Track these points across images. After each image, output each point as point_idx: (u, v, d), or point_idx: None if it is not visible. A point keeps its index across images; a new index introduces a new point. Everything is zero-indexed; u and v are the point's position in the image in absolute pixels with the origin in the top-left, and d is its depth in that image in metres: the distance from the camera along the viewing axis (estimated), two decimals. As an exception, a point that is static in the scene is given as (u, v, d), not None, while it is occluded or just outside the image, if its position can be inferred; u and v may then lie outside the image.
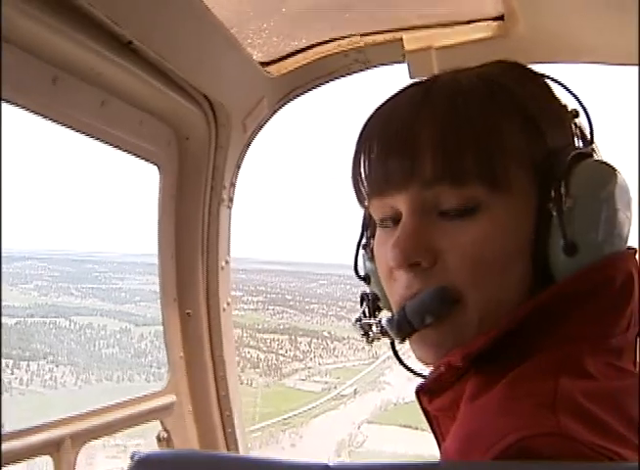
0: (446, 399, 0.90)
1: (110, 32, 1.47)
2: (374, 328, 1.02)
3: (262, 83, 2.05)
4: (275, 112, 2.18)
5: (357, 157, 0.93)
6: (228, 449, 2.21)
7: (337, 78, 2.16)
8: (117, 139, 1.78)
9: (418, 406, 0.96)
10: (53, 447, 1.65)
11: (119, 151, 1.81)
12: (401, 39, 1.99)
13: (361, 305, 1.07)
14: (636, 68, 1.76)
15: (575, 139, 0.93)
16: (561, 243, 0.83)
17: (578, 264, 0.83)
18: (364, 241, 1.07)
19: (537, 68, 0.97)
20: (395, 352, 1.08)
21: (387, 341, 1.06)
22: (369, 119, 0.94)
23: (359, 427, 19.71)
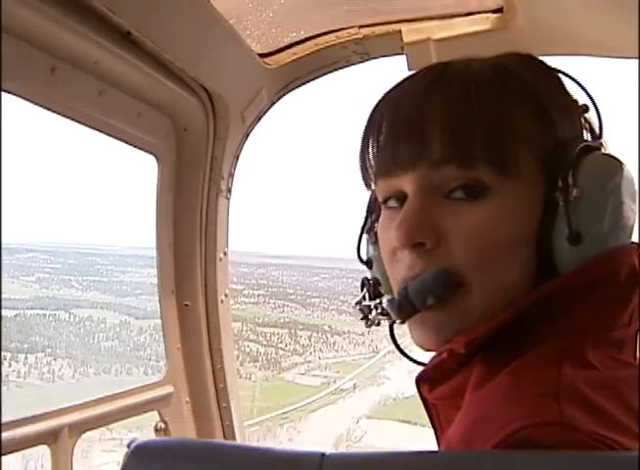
0: (448, 388, 0.89)
1: (108, 23, 1.47)
2: (374, 311, 1.02)
3: (261, 75, 2.05)
4: (274, 103, 2.18)
5: (366, 137, 0.93)
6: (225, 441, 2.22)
7: (335, 70, 2.16)
8: (116, 129, 1.78)
9: (417, 401, 0.96)
10: (51, 437, 1.66)
11: (117, 141, 1.81)
12: (400, 31, 1.98)
13: (362, 289, 1.06)
14: (636, 60, 1.75)
15: (584, 133, 0.94)
16: (565, 232, 0.84)
17: (582, 255, 0.84)
18: (368, 225, 1.07)
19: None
20: (394, 339, 1.07)
21: (387, 334, 1.06)
22: (380, 101, 0.94)
23: (358, 422, 19.74)
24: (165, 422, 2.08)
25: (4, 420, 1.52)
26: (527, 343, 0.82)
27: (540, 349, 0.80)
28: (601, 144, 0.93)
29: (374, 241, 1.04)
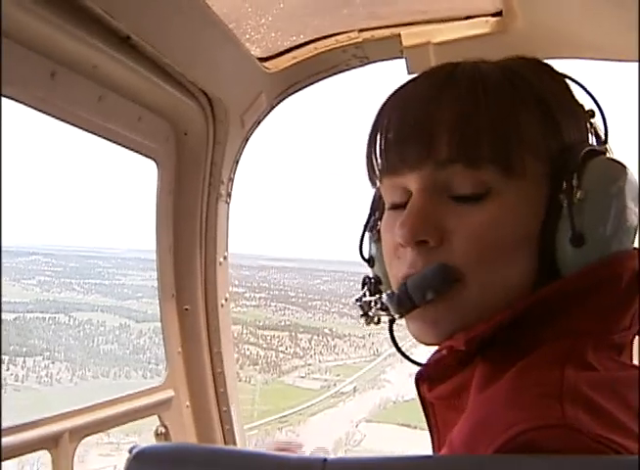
0: (448, 387, 0.90)
1: (108, 27, 1.47)
2: (373, 308, 1.02)
3: (260, 79, 2.05)
4: (273, 107, 2.18)
5: (373, 136, 0.94)
6: (226, 445, 2.22)
7: (335, 74, 2.17)
8: (115, 134, 1.78)
9: (418, 405, 0.96)
10: (51, 442, 1.66)
11: (117, 146, 1.81)
12: (399, 35, 1.99)
13: (363, 287, 1.07)
14: (636, 64, 1.75)
15: (590, 137, 0.94)
16: (568, 234, 0.84)
17: (584, 257, 0.84)
18: (371, 223, 1.07)
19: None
20: (393, 337, 1.07)
21: (388, 337, 1.06)
22: (388, 100, 0.95)
23: (357, 425, 19.69)
24: (166, 426, 2.07)
25: (4, 425, 1.52)
26: (528, 344, 0.82)
27: (542, 350, 0.81)
28: (606, 149, 0.94)
29: (376, 239, 1.04)
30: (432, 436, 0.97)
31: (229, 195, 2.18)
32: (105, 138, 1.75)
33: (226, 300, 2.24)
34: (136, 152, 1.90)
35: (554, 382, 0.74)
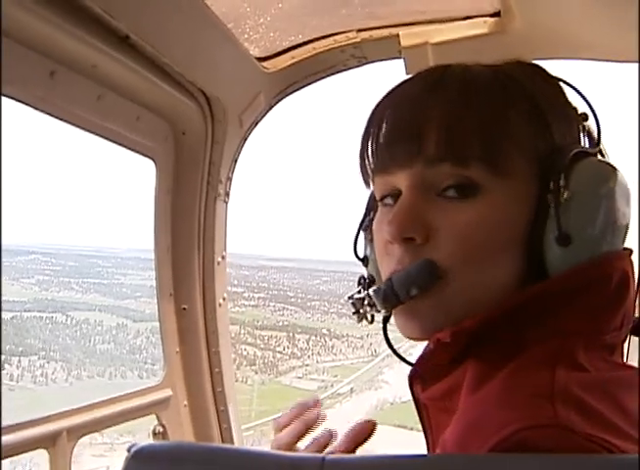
0: (440, 388, 0.90)
1: (107, 27, 1.48)
2: (365, 305, 1.03)
3: (259, 78, 2.05)
4: (272, 107, 2.18)
5: (366, 136, 0.94)
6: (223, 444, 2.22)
7: (333, 74, 2.17)
8: (114, 133, 1.78)
9: (413, 405, 0.97)
10: (49, 441, 1.66)
11: (116, 145, 1.82)
12: (398, 35, 1.99)
13: (358, 286, 1.07)
14: (635, 64, 1.76)
15: (583, 140, 0.95)
16: (555, 233, 0.84)
17: (571, 257, 0.84)
18: (366, 222, 1.08)
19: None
20: (386, 335, 1.07)
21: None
22: (380, 101, 0.96)
23: (354, 426, 19.63)
24: (164, 425, 2.08)
25: (2, 424, 1.52)
26: (518, 345, 0.82)
27: (533, 351, 0.81)
28: (599, 151, 0.94)
29: (371, 238, 1.04)
30: (426, 437, 0.98)
31: (227, 194, 2.18)
32: (103, 137, 1.75)
33: (224, 299, 2.24)
34: (134, 151, 1.90)
35: (545, 383, 0.74)
